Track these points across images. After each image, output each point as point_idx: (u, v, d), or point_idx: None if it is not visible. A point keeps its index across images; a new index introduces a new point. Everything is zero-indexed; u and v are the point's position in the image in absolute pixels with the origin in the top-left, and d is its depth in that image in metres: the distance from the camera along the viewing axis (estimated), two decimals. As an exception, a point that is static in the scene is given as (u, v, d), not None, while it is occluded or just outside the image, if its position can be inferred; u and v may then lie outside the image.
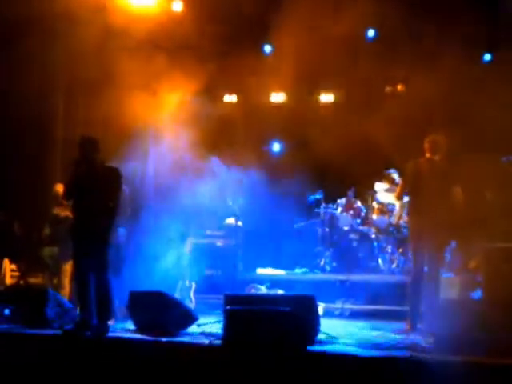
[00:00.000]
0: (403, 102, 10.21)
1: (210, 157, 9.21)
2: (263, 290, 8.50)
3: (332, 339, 6.31)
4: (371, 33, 11.37)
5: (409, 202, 7.58)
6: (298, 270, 9.74)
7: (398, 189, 7.82)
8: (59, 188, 8.34)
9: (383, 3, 9.63)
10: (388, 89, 11.31)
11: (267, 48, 11.68)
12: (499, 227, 7.84)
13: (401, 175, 8.33)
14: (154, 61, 9.51)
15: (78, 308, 6.89)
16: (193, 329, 6.77)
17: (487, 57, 10.96)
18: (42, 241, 9.05)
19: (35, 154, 10.92)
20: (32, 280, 9.47)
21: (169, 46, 9.61)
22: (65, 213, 8.20)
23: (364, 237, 9.68)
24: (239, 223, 9.22)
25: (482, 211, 8.21)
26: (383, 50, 10.99)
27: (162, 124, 9.43)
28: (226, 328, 5.93)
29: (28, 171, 10.64)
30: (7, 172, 10.63)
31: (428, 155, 7.31)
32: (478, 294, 7.53)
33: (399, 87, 11.34)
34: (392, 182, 9.71)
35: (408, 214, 7.71)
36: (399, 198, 7.89)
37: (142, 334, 6.58)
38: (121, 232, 7.85)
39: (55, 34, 10.00)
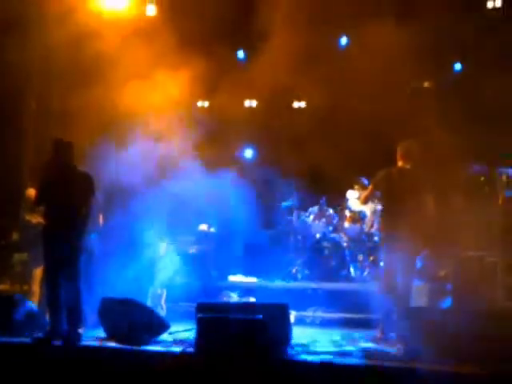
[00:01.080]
0: (376, 108, 10.30)
1: (190, 159, 9.17)
2: (235, 297, 8.48)
3: (304, 347, 6.32)
4: (344, 40, 11.47)
5: (381, 210, 7.63)
6: (270, 282, 9.74)
7: (364, 193, 7.85)
8: (31, 193, 8.19)
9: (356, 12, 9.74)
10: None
11: (241, 54, 11.69)
12: (469, 236, 7.94)
13: (370, 181, 8.39)
14: (126, 63, 9.46)
15: (48, 315, 6.79)
16: (164, 337, 6.73)
17: (458, 66, 11.11)
18: (9, 246, 8.93)
19: (5, 155, 10.77)
20: (0, 286, 9.33)
21: (141, 49, 9.55)
22: (37, 219, 8.06)
23: (336, 245, 9.72)
24: (212, 229, 9.19)
25: (453, 220, 8.30)
26: (356, 56, 11.09)
27: (137, 126, 9.38)
28: (199, 336, 5.93)
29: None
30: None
31: (400, 163, 7.35)
32: (447, 302, 7.61)
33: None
34: (362, 188, 9.77)
35: (380, 223, 7.75)
36: (364, 202, 7.95)
37: (113, 342, 6.53)
38: (93, 238, 7.77)
39: (28, 32, 9.91)
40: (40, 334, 6.62)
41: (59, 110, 10.71)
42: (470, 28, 9.99)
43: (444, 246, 8.07)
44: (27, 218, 8.40)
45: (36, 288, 8.25)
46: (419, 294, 7.81)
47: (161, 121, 9.27)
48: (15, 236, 8.96)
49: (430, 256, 8.57)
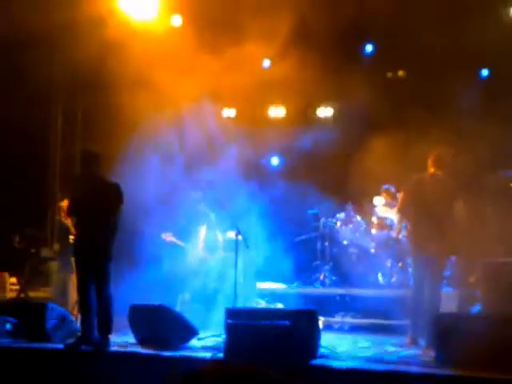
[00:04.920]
0: (402, 116, 10.28)
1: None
2: (263, 304, 8.50)
3: (333, 353, 6.32)
4: (369, 48, 11.46)
5: (411, 216, 7.53)
6: (296, 285, 9.74)
7: (399, 202, 7.77)
8: (64, 203, 8.50)
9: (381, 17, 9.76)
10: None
11: (266, 62, 11.74)
12: (499, 242, 7.88)
13: (401, 188, 8.33)
14: (154, 75, 9.57)
15: (79, 321, 6.89)
16: (194, 342, 6.77)
17: (485, 72, 11.00)
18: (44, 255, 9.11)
19: (35, 167, 10.96)
20: (32, 293, 9.46)
21: (166, 59, 9.66)
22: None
23: (363, 251, 9.69)
24: (239, 237, 9.22)
25: (483, 226, 8.24)
26: (381, 63, 11.11)
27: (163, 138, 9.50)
28: (228, 342, 5.96)
29: (28, 184, 10.66)
30: (7, 185, 10.63)
31: (432, 170, 7.32)
32: (476, 308, 7.56)
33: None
34: (389, 196, 9.73)
35: (410, 229, 7.71)
36: (401, 211, 7.69)
37: (142, 347, 6.59)
38: None
39: (55, 46, 10.07)
40: (71, 341, 6.71)
41: (84, 124, 10.90)
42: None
43: (474, 252, 8.02)
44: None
45: (69, 295, 8.41)
46: (448, 301, 7.77)
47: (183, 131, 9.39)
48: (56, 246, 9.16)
49: (459, 262, 8.53)
